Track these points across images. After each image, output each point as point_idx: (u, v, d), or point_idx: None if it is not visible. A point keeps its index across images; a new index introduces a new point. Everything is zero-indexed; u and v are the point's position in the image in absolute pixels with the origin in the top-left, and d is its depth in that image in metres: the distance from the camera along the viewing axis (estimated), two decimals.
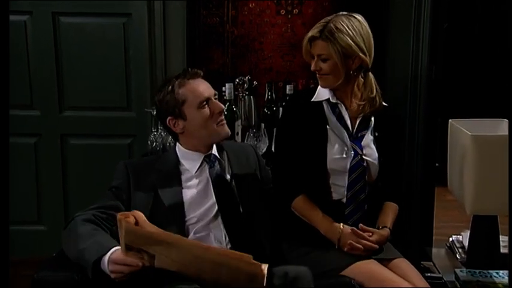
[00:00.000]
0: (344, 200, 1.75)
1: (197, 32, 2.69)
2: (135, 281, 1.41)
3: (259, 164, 1.89)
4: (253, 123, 2.45)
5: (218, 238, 1.67)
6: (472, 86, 4.11)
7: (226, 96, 2.30)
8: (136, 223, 1.38)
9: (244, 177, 1.79)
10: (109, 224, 1.61)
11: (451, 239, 2.09)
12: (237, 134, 2.34)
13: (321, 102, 1.79)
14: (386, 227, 1.74)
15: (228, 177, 1.77)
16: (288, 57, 2.72)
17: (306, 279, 1.46)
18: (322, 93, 1.80)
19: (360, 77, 1.77)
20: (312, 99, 1.80)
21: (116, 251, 1.41)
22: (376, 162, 1.77)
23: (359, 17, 1.74)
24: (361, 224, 1.70)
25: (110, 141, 2.83)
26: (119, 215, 1.37)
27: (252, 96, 2.51)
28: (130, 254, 1.36)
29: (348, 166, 1.73)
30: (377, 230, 1.72)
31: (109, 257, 1.41)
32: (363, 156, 1.74)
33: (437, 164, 2.67)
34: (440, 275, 1.88)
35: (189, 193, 1.70)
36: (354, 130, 1.77)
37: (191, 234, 1.66)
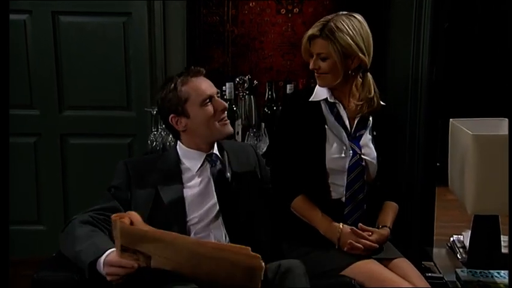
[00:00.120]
0: (343, 199, 1.74)
1: (197, 31, 2.69)
2: (131, 283, 1.40)
3: (259, 164, 1.88)
4: (254, 122, 2.45)
5: (218, 238, 1.67)
6: (472, 86, 4.11)
7: (227, 96, 2.29)
8: (132, 224, 1.37)
9: (245, 176, 1.79)
10: (107, 225, 1.60)
11: (452, 238, 2.09)
12: (237, 133, 2.33)
13: (318, 101, 1.79)
14: (386, 226, 1.74)
15: (229, 176, 1.77)
16: (289, 56, 2.72)
17: (297, 271, 1.46)
18: (320, 93, 1.79)
19: (359, 77, 1.76)
20: (310, 99, 1.79)
21: (111, 252, 1.41)
22: (374, 161, 1.77)
23: (359, 17, 1.74)
24: (360, 224, 1.70)
25: (109, 140, 2.83)
26: (113, 216, 1.36)
27: (252, 96, 2.50)
28: (125, 256, 1.35)
29: (347, 165, 1.73)
30: (377, 230, 1.71)
31: (104, 259, 1.41)
32: (362, 156, 1.74)
33: (438, 164, 2.66)
34: (441, 275, 1.87)
35: (190, 193, 1.70)
36: (352, 130, 1.77)
37: (192, 235, 1.65)
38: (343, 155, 1.74)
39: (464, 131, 1.74)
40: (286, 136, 1.79)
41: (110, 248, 1.43)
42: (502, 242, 1.88)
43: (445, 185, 2.01)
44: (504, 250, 1.88)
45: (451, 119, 1.92)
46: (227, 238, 1.67)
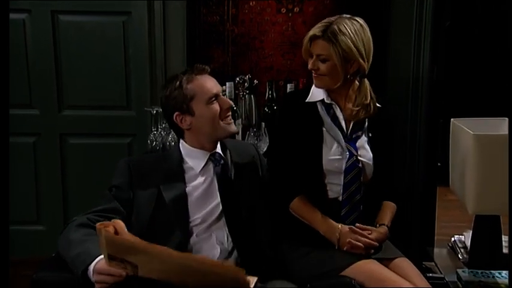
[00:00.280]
0: (340, 198, 1.75)
1: (197, 30, 2.68)
2: None
3: (261, 163, 1.87)
4: (254, 122, 2.44)
5: (220, 239, 1.66)
6: (473, 86, 4.11)
7: (227, 95, 2.29)
8: (116, 233, 1.36)
9: (247, 176, 1.78)
10: None
11: (453, 239, 2.09)
12: (238, 133, 2.33)
13: (315, 103, 1.79)
14: (384, 224, 1.74)
15: (232, 176, 1.75)
16: (289, 55, 2.71)
17: None
18: (316, 94, 1.79)
19: (356, 81, 1.77)
20: (307, 100, 1.79)
21: (100, 260, 1.39)
22: (370, 162, 1.77)
23: (361, 21, 1.74)
24: (358, 224, 1.69)
25: (109, 140, 2.82)
26: (97, 225, 1.34)
27: (252, 95, 2.49)
28: (113, 264, 1.34)
29: (344, 167, 1.73)
30: (375, 228, 1.71)
31: (94, 266, 1.39)
32: (358, 157, 1.74)
33: (439, 164, 2.66)
34: (442, 276, 1.87)
35: (193, 192, 1.68)
36: (349, 131, 1.77)
37: (193, 236, 1.64)
38: (340, 156, 1.74)
39: (466, 130, 1.74)
40: (284, 137, 1.79)
41: (100, 255, 1.40)
42: (503, 242, 1.88)
43: (446, 184, 2.01)
44: (505, 250, 1.88)
45: (452, 119, 1.92)
46: (229, 239, 1.66)
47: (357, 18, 1.74)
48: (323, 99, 1.78)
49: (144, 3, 2.67)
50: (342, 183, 1.73)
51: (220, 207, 1.68)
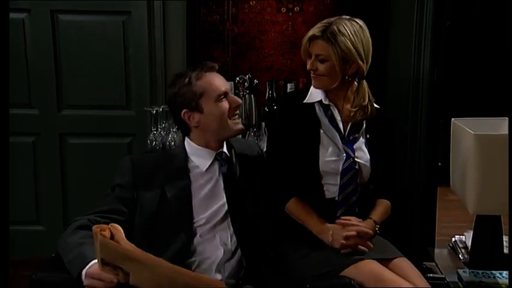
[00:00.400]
0: (336, 198, 1.74)
1: (197, 30, 2.68)
2: None
3: (264, 162, 1.86)
4: (254, 122, 2.44)
5: (224, 240, 1.64)
6: (474, 86, 4.12)
7: None
8: (112, 237, 1.35)
9: (252, 175, 1.77)
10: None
11: (453, 239, 2.09)
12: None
13: (313, 103, 1.79)
14: (371, 218, 1.73)
15: (238, 176, 1.74)
16: (289, 55, 2.71)
17: None
18: (314, 95, 1.79)
19: (355, 82, 1.77)
20: (304, 101, 1.80)
21: (93, 264, 1.38)
22: (368, 164, 1.77)
23: (361, 22, 1.74)
24: (341, 218, 1.69)
25: (109, 140, 2.81)
26: (94, 227, 1.32)
27: (252, 95, 2.49)
28: (106, 269, 1.32)
29: (340, 168, 1.73)
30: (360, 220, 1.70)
31: (86, 270, 1.38)
32: (355, 159, 1.74)
33: (439, 164, 2.66)
34: (443, 276, 1.87)
35: (198, 192, 1.67)
36: (346, 133, 1.77)
37: (197, 237, 1.63)
38: (336, 158, 1.74)
39: (466, 130, 1.74)
40: (281, 137, 1.79)
41: (95, 259, 1.39)
42: (504, 242, 1.87)
43: (446, 185, 2.01)
44: (506, 250, 1.87)
45: (452, 119, 1.92)
46: (233, 239, 1.65)
47: (357, 20, 1.74)
48: (321, 100, 1.78)
49: (144, 3, 2.67)
50: (338, 185, 1.73)
51: (226, 207, 1.66)
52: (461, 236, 2.08)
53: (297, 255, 1.72)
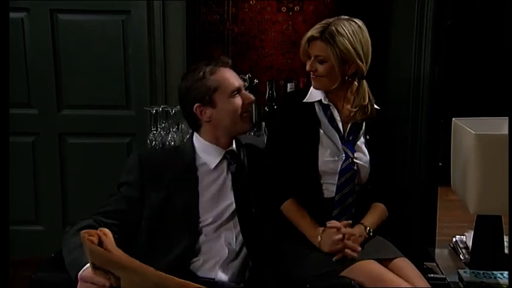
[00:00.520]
0: (335, 197, 1.74)
1: (197, 29, 2.67)
2: None
3: None
4: (254, 121, 2.43)
5: (229, 240, 1.63)
6: (475, 85, 4.12)
7: None
8: (101, 242, 1.34)
9: (259, 174, 1.75)
10: (116, 227, 1.55)
11: (454, 239, 2.09)
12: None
13: (312, 103, 1.79)
14: (362, 224, 1.72)
15: (246, 175, 1.72)
16: (289, 54, 2.70)
17: None
18: (314, 94, 1.79)
19: (355, 82, 1.76)
20: (304, 100, 1.79)
21: (87, 268, 1.36)
22: (366, 165, 1.76)
23: (360, 22, 1.74)
24: (328, 222, 1.68)
25: (108, 140, 2.81)
26: (82, 233, 1.30)
27: (252, 95, 2.48)
28: (98, 273, 1.31)
29: (339, 168, 1.73)
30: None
31: (80, 274, 1.37)
32: (354, 160, 1.74)
33: (440, 164, 2.66)
34: (444, 276, 1.87)
35: (205, 192, 1.65)
36: (346, 133, 1.77)
37: (202, 236, 1.62)
38: (335, 158, 1.74)
39: (467, 130, 1.73)
40: (281, 137, 1.79)
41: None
42: (505, 243, 1.87)
43: (447, 184, 2.01)
44: (507, 251, 1.87)
45: (453, 119, 1.92)
46: (238, 239, 1.64)
47: (356, 20, 1.74)
48: (321, 99, 1.78)
49: (144, 2, 2.66)
50: (336, 184, 1.73)
51: (233, 207, 1.65)
52: (462, 236, 2.08)
53: (297, 255, 1.71)
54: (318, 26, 1.73)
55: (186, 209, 1.62)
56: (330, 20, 1.73)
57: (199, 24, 2.68)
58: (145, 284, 1.29)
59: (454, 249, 2.05)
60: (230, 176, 1.68)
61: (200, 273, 1.58)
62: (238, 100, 1.66)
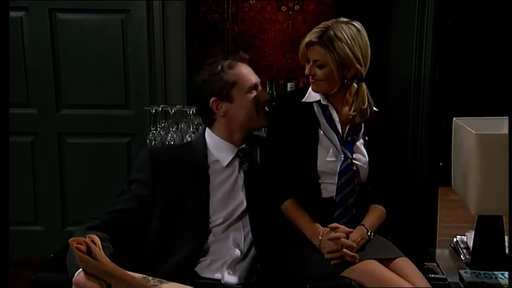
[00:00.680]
0: (334, 198, 1.73)
1: (197, 29, 2.67)
2: None
3: None
4: None
5: (237, 241, 1.63)
6: (476, 85, 4.12)
7: None
8: (89, 250, 1.33)
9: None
10: (125, 228, 1.55)
11: (455, 239, 2.08)
12: None
13: (311, 103, 1.78)
14: (362, 225, 1.72)
15: (258, 173, 1.71)
16: (289, 54, 2.69)
17: None
18: (313, 94, 1.79)
19: (354, 84, 1.76)
20: (303, 100, 1.79)
21: (81, 272, 1.35)
22: (365, 166, 1.76)
23: (358, 25, 1.73)
24: (329, 225, 1.67)
25: (108, 139, 2.80)
26: (70, 241, 1.29)
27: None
28: (90, 279, 1.31)
29: (338, 169, 1.73)
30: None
31: (74, 278, 1.36)
32: (353, 161, 1.74)
33: (441, 163, 2.66)
34: (444, 276, 1.86)
35: (216, 191, 1.64)
36: (344, 134, 1.77)
37: (211, 236, 1.61)
38: (334, 158, 1.74)
39: (468, 130, 1.73)
40: (280, 136, 1.78)
41: None
42: (506, 243, 1.86)
43: (448, 184, 2.00)
44: (508, 251, 1.86)
45: (454, 118, 1.92)
46: (246, 240, 1.63)
47: (354, 23, 1.73)
48: (319, 100, 1.78)
49: (143, 2, 2.66)
50: (336, 184, 1.73)
51: (243, 206, 1.64)
52: (463, 236, 2.07)
53: (297, 255, 1.71)
54: (316, 29, 1.72)
55: (196, 209, 1.61)
56: (329, 23, 1.72)
57: (199, 23, 2.67)
58: None
59: (455, 250, 2.05)
60: (242, 174, 1.67)
61: (206, 274, 1.57)
62: (255, 96, 1.66)
